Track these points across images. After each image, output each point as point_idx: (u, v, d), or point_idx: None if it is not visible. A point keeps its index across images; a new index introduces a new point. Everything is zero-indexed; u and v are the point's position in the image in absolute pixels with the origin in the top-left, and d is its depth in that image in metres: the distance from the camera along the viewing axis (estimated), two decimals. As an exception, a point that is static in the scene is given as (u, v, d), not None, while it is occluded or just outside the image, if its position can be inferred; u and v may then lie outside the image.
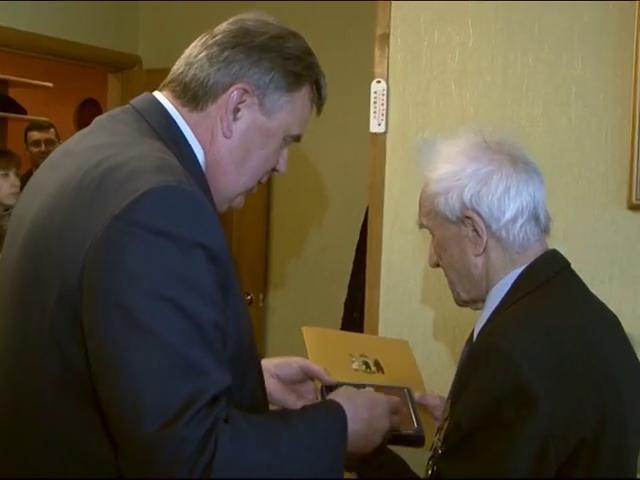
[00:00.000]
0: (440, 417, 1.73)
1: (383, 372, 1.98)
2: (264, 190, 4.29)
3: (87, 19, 4.30)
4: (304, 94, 1.49)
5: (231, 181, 1.48)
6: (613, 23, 2.38)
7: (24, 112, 5.85)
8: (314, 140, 4.21)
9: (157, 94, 1.48)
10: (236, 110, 1.43)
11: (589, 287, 1.63)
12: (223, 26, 1.47)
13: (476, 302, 1.66)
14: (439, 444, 1.51)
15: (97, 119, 1.48)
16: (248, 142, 1.45)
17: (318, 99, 1.54)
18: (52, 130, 5.37)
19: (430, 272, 2.65)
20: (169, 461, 1.12)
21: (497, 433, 1.36)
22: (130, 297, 1.16)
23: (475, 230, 1.56)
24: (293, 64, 1.45)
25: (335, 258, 4.04)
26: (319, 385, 1.78)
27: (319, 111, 1.56)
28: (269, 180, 4.89)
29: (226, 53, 1.43)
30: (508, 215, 1.55)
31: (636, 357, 1.59)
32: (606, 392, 1.43)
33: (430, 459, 1.59)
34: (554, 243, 1.65)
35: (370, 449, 1.44)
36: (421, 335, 2.69)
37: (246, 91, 1.42)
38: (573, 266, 1.63)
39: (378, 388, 1.84)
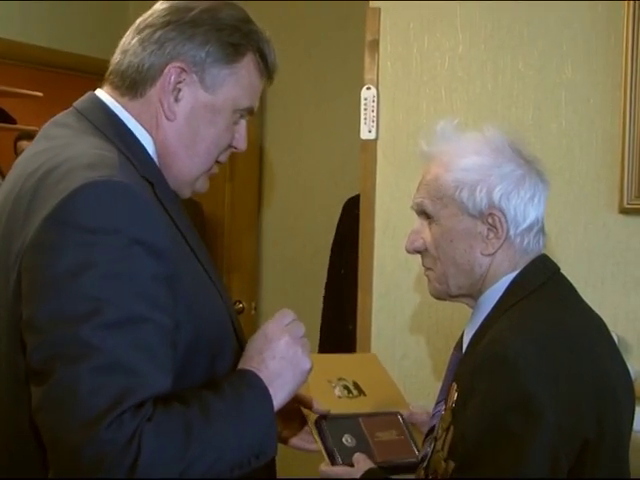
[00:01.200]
0: (427, 428, 1.71)
1: (365, 394, 1.94)
2: (254, 197, 4.28)
3: (76, 28, 4.30)
4: (247, 63, 1.41)
5: (185, 165, 1.41)
6: (602, 27, 2.38)
7: (14, 122, 5.83)
8: (305, 146, 4.22)
9: (98, 91, 1.44)
10: (176, 90, 1.37)
11: (582, 291, 1.62)
12: (155, 6, 1.43)
13: (462, 297, 1.63)
14: (442, 455, 1.49)
15: (43, 127, 1.44)
16: (195, 122, 1.39)
17: (265, 68, 1.45)
18: (42, 140, 5.34)
19: (422, 278, 2.65)
20: (91, 462, 1.10)
21: (508, 445, 1.35)
22: (60, 298, 1.14)
23: (493, 229, 1.54)
24: (228, 34, 1.38)
25: (326, 264, 4.03)
26: (312, 417, 1.74)
27: (270, 80, 1.49)
28: (259, 186, 4.85)
29: (158, 34, 1.37)
30: (528, 222, 1.54)
31: (621, 357, 1.60)
32: (602, 393, 1.44)
33: (424, 469, 1.57)
34: (546, 248, 1.64)
35: (304, 378, 1.37)
36: (414, 341, 2.68)
37: (183, 69, 1.36)
38: (565, 270, 1.62)
39: (370, 417, 1.82)
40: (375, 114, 2.71)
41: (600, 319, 1.61)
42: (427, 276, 1.66)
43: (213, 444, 1.18)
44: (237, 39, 1.39)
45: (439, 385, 2.59)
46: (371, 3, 2.73)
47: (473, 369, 1.44)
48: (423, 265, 1.66)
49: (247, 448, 1.22)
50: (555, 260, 1.62)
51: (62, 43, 4.24)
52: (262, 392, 1.27)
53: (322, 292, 3.95)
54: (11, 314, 1.21)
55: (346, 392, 1.92)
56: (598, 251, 2.40)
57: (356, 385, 1.94)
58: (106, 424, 1.09)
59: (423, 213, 1.61)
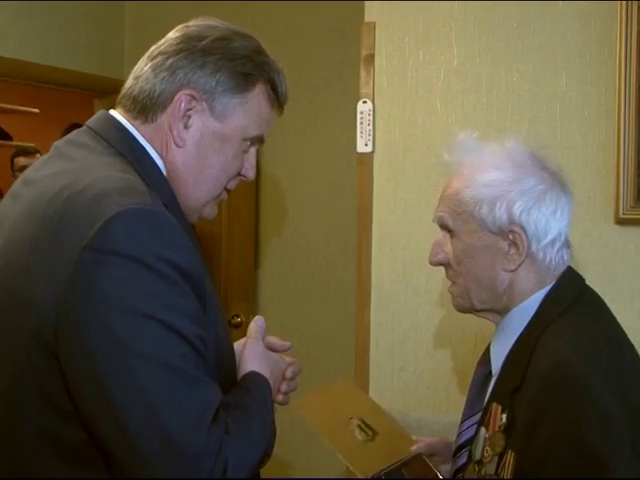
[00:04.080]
0: (448, 451, 1.69)
1: (377, 432, 1.87)
2: (252, 210, 4.28)
3: (72, 45, 4.31)
4: (257, 94, 1.43)
5: (192, 191, 1.43)
6: (596, 40, 2.40)
7: (10, 138, 5.85)
8: (301, 160, 4.23)
9: (112, 111, 1.45)
10: (186, 117, 1.39)
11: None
12: (168, 35, 1.46)
13: (485, 312, 1.61)
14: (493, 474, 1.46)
15: (55, 145, 1.45)
16: (203, 150, 1.41)
17: (276, 98, 1.47)
18: (38, 156, 5.35)
19: (420, 291, 2.65)
20: (192, 473, 1.14)
21: (596, 465, 1.32)
22: (115, 322, 1.15)
23: (514, 246, 1.52)
24: (241, 64, 1.40)
25: (323, 278, 4.03)
26: (360, 472, 1.73)
27: (281, 110, 1.51)
28: (257, 200, 4.85)
29: (170, 61, 1.40)
30: (549, 237, 1.53)
31: None
32: None
33: None
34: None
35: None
36: (412, 354, 2.68)
37: (193, 97, 1.38)
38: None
39: (408, 466, 1.79)
40: (371, 128, 2.72)
41: None
42: (451, 292, 1.64)
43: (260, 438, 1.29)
44: (248, 69, 1.41)
45: (437, 397, 2.60)
46: (366, 18, 2.75)
47: (541, 389, 1.40)
48: (447, 278, 1.64)
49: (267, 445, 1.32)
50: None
51: (58, 60, 4.25)
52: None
53: (320, 304, 3.96)
54: (35, 337, 1.21)
55: (364, 434, 1.85)
56: (594, 262, 2.41)
57: (365, 424, 1.88)
58: (204, 434, 1.15)
59: (444, 227, 1.60)
